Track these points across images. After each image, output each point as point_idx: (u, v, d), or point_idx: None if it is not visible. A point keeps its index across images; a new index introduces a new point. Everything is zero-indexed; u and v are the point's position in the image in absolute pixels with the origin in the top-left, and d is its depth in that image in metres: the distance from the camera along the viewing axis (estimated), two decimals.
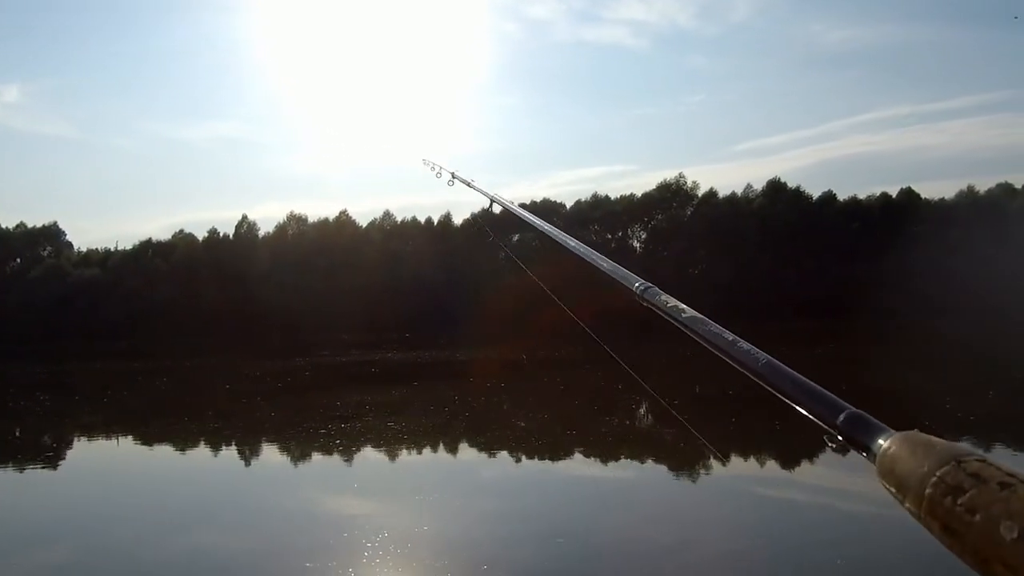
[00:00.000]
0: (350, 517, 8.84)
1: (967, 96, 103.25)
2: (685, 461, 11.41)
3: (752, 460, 11.76)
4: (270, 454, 13.85)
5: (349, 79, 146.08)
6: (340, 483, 11.16)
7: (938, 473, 0.61)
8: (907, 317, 41.67)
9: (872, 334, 35.45)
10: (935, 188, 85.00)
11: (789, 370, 0.82)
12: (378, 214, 65.57)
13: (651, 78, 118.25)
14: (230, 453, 14.22)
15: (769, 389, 0.81)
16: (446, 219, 64.59)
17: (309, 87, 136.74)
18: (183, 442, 15.07)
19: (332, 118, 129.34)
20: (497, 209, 2.37)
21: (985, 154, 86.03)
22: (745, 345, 0.86)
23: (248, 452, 14.24)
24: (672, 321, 0.98)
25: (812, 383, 0.79)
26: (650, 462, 12.15)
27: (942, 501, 0.59)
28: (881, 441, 0.70)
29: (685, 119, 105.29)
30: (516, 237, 21.40)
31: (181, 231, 66.28)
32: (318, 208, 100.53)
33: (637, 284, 1.16)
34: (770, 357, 0.83)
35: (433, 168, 3.82)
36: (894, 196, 58.95)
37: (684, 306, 0.98)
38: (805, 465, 11.21)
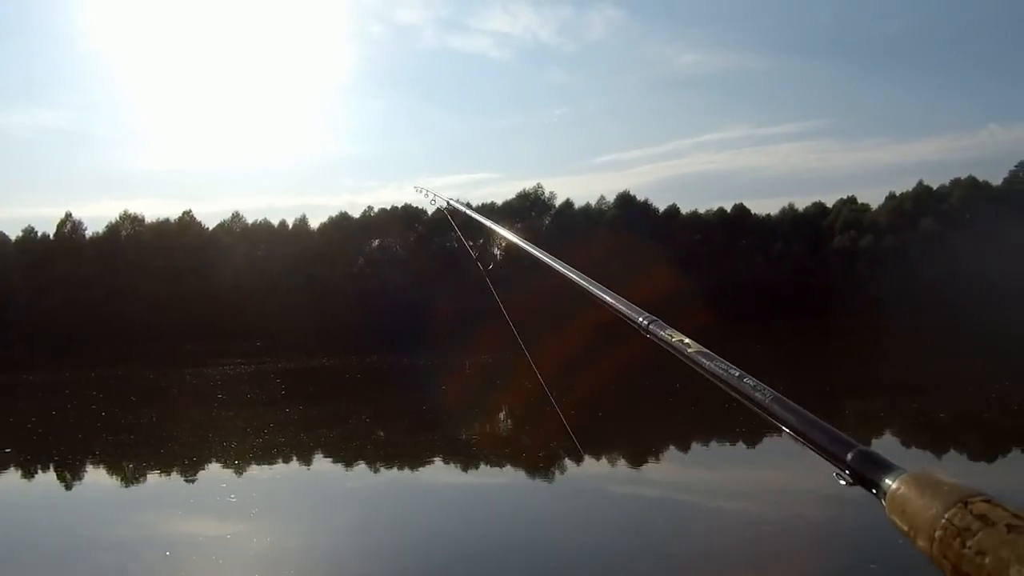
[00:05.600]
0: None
1: (794, 122, 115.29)
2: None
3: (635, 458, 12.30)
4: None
5: (200, 72, 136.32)
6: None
7: (946, 516, 0.64)
8: (745, 320, 45.63)
9: (714, 336, 38.37)
10: (763, 205, 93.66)
11: (796, 406, 0.85)
12: (227, 215, 61.70)
13: (515, 89, 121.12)
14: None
15: (777, 424, 0.84)
16: (302, 222, 62.06)
17: (155, 78, 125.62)
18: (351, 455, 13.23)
19: (179, 113, 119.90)
20: (511, 236, 2.19)
21: (805, 175, 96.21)
22: (752, 380, 0.89)
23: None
24: (678, 355, 0.99)
25: (819, 419, 0.83)
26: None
27: (952, 543, 0.62)
28: (889, 481, 0.73)
29: (547, 131, 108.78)
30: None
31: None
32: (161, 208, 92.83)
33: (641, 319, 1.17)
34: (776, 393, 0.86)
35: (427, 195, 3.58)
36: (729, 211, 64.34)
37: (689, 340, 1.00)
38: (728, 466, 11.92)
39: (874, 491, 0.75)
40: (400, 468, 12.53)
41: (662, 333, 1.07)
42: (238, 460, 13.11)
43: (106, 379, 27.36)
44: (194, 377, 27.88)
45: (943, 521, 0.64)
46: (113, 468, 13.35)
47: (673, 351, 1.02)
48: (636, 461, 12.12)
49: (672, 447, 13.39)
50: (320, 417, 17.61)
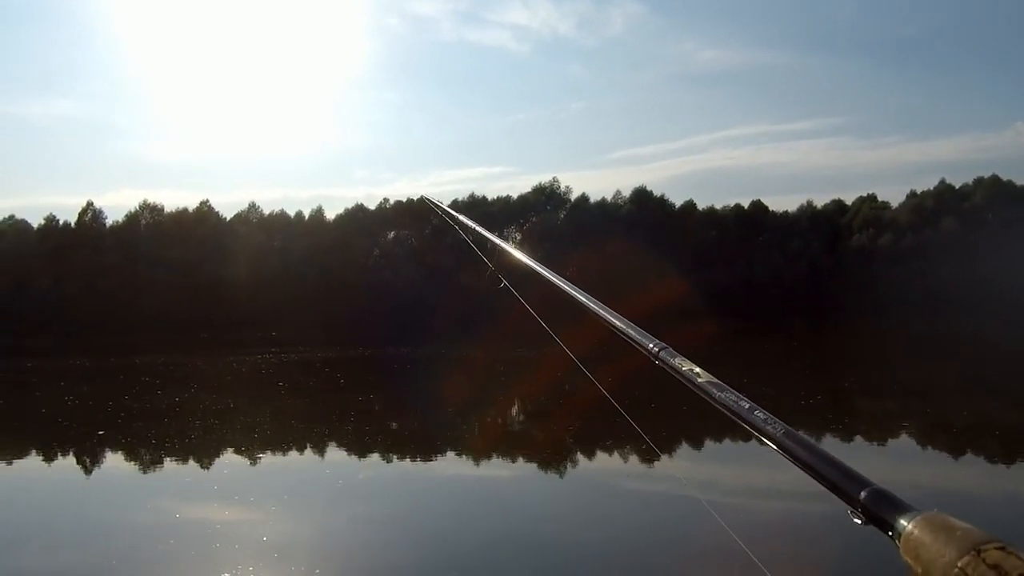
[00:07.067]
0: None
1: (812, 119, 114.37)
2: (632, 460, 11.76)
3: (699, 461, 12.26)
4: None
5: (217, 63, 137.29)
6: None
7: (959, 564, 0.63)
8: (760, 317, 45.35)
9: (730, 335, 38.22)
10: (781, 202, 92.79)
11: (809, 440, 0.83)
12: (243, 206, 62.08)
13: (532, 83, 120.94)
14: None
15: (788, 459, 0.82)
16: (318, 213, 62.28)
17: (172, 69, 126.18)
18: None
19: (196, 103, 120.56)
20: (522, 257, 2.16)
21: (824, 172, 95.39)
22: (763, 414, 0.87)
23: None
24: (688, 384, 0.98)
25: (833, 455, 0.81)
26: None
27: None
28: (904, 522, 0.72)
29: (564, 125, 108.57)
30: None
31: (11, 217, 59.35)
32: (177, 198, 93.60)
33: (652, 345, 1.15)
34: (788, 427, 0.84)
35: (434, 207, 3.62)
36: (746, 207, 63.72)
37: (699, 369, 0.98)
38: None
39: (889, 532, 0.74)
40: (513, 457, 12.53)
41: (672, 361, 1.05)
42: (334, 447, 13.34)
43: (153, 365, 27.35)
44: (241, 364, 27.75)
45: (956, 571, 0.63)
46: (217, 452, 13.25)
47: (683, 380, 1.00)
48: (648, 458, 12.09)
49: (685, 443, 13.36)
50: (399, 404, 17.90)
